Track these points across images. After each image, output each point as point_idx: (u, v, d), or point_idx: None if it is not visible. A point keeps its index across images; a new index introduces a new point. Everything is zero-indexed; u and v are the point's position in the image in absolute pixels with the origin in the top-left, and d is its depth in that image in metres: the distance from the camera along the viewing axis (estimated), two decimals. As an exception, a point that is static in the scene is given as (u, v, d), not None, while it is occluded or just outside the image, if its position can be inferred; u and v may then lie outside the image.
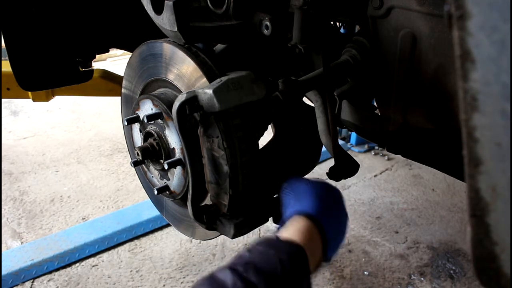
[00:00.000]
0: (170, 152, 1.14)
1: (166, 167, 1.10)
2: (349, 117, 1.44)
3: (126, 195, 3.06)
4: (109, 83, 2.24)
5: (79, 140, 3.98)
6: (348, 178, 1.28)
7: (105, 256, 2.44)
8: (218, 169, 0.99)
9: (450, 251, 2.53)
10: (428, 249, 2.55)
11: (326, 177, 1.26)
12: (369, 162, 3.64)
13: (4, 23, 1.53)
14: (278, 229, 0.96)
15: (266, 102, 1.10)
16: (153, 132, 1.16)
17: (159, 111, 1.11)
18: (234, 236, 1.05)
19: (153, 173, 1.27)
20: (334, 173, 1.23)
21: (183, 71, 1.08)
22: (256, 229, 1.17)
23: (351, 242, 2.61)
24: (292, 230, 0.89)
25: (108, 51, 1.86)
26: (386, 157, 3.69)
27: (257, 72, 0.99)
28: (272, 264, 0.76)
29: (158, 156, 1.17)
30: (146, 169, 1.29)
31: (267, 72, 1.17)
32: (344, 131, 3.91)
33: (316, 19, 1.18)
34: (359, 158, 3.62)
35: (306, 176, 1.22)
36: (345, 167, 1.24)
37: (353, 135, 3.91)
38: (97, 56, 1.83)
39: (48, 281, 2.24)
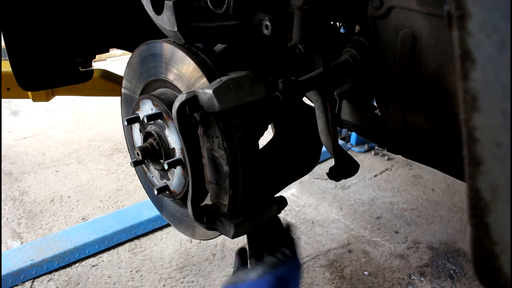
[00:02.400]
0: (170, 152, 1.14)
1: (166, 167, 1.09)
2: (349, 117, 1.44)
3: (126, 195, 3.06)
4: (109, 83, 2.25)
5: (79, 140, 3.98)
6: (348, 178, 1.28)
7: (105, 256, 2.44)
8: (218, 169, 0.99)
9: (450, 251, 2.53)
10: (428, 249, 2.55)
11: (326, 177, 1.26)
12: (369, 162, 3.64)
13: (4, 23, 1.53)
14: None
15: (266, 102, 1.10)
16: (153, 132, 1.16)
17: (159, 111, 1.11)
18: (234, 236, 1.05)
19: (153, 173, 1.27)
20: (334, 173, 1.23)
21: (183, 71, 1.08)
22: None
23: (351, 242, 2.61)
24: None
25: (108, 51, 1.86)
26: (386, 157, 3.69)
27: (257, 72, 0.99)
28: None
29: (158, 156, 1.17)
30: (146, 169, 1.29)
31: (267, 72, 1.17)
32: (344, 131, 3.91)
33: (316, 19, 1.18)
34: (359, 158, 3.62)
35: (307, 177, 1.22)
36: (345, 167, 1.24)
37: (353, 135, 3.91)
38: (97, 56, 1.83)
39: (48, 281, 2.25)
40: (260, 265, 1.07)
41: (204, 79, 1.02)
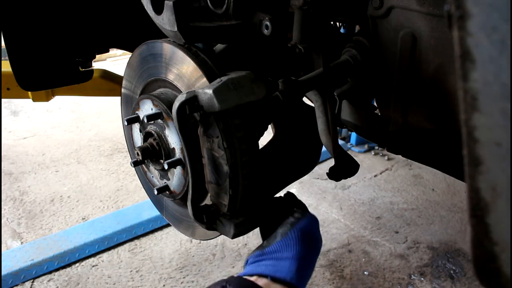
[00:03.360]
0: (170, 152, 1.14)
1: (166, 167, 1.09)
2: (349, 117, 1.44)
3: (126, 195, 3.06)
4: (109, 83, 2.25)
5: (79, 140, 3.98)
6: (348, 178, 1.28)
7: (105, 256, 2.44)
8: (218, 169, 0.99)
9: (450, 251, 2.53)
10: (428, 249, 2.55)
11: (326, 177, 1.26)
12: (369, 162, 3.64)
13: (4, 23, 1.53)
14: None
15: (266, 102, 1.10)
16: (153, 132, 1.16)
17: (159, 111, 1.11)
18: (234, 236, 1.05)
19: (153, 173, 1.27)
20: (334, 173, 1.23)
21: (183, 71, 1.08)
22: (256, 229, 1.17)
23: (351, 242, 2.61)
24: None
25: (108, 51, 1.87)
26: (386, 157, 3.69)
27: (257, 72, 0.99)
28: None
29: (158, 156, 1.17)
30: (146, 169, 1.29)
31: (267, 72, 1.17)
32: (344, 131, 3.91)
33: (316, 19, 1.18)
34: (359, 158, 3.62)
35: (306, 178, 1.22)
36: (345, 167, 1.24)
37: (353, 135, 3.91)
38: (97, 56, 1.83)
39: (48, 281, 2.24)
40: (279, 228, 1.05)
41: (204, 79, 1.02)
